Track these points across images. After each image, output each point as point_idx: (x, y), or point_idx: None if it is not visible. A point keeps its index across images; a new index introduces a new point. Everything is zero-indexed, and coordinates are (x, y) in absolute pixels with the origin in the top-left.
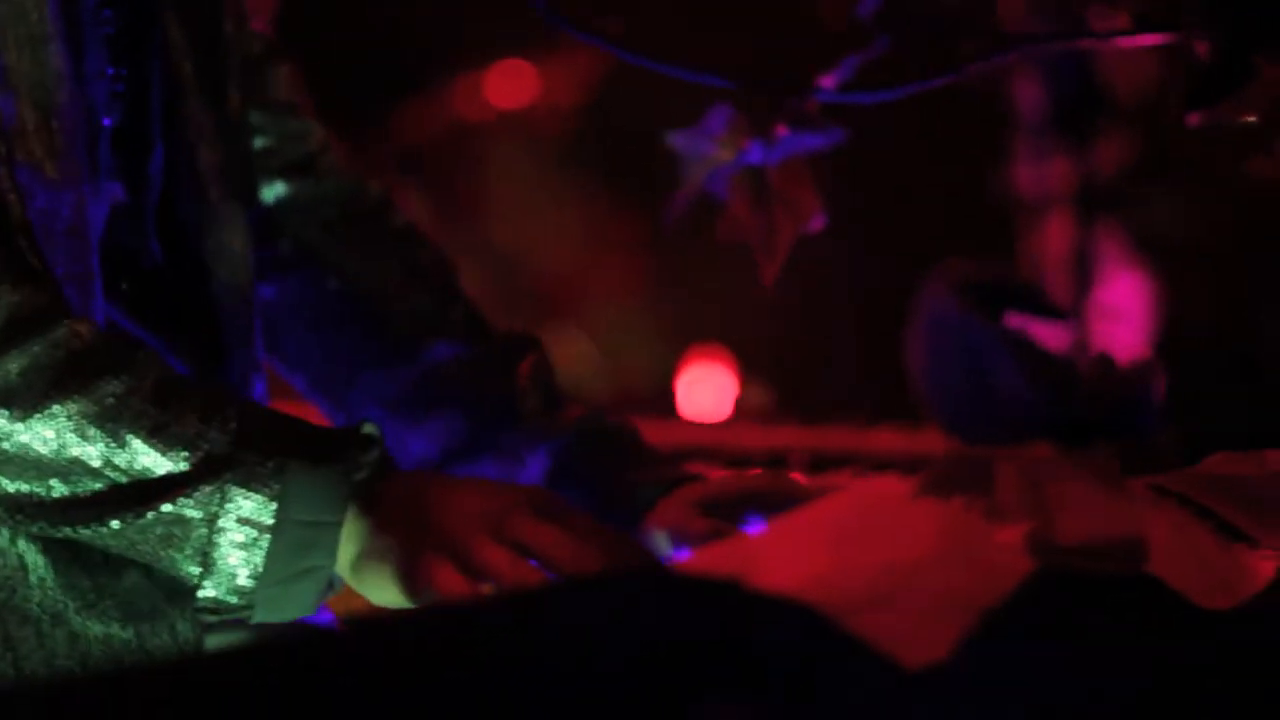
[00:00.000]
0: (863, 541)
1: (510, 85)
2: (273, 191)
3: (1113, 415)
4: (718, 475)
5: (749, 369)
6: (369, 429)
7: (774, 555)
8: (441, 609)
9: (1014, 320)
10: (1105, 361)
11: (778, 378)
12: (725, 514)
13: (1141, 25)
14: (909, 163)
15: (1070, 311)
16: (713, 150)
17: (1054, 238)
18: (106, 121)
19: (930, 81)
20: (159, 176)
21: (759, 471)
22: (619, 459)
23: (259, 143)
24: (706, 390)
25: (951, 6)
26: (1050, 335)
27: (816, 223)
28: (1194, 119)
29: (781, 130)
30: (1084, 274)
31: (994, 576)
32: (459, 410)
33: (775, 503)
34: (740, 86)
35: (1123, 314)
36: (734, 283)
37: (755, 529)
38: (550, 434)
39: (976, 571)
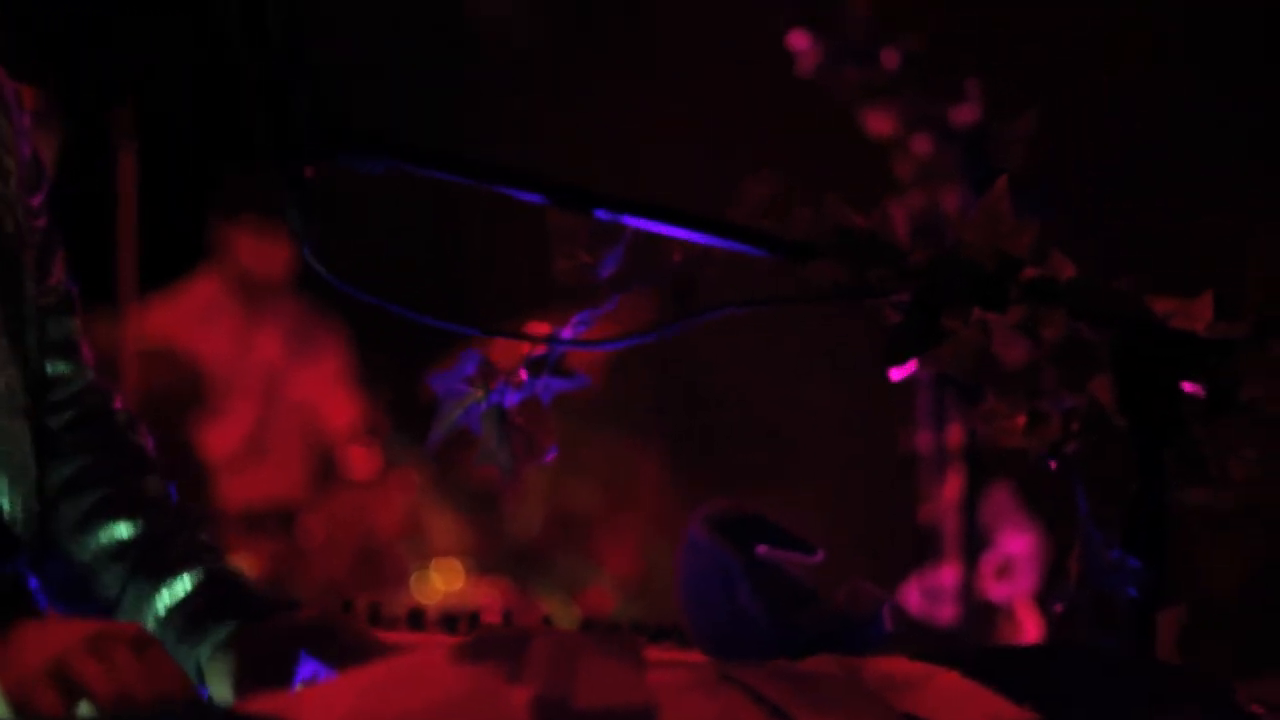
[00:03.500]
0: (393, 692)
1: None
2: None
3: (843, 636)
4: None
5: None
6: None
7: (314, 702)
8: None
9: (761, 552)
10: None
11: None
12: (280, 651)
13: (840, 289)
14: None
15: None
16: (466, 390)
17: (950, 493)
18: None
19: (647, 335)
20: None
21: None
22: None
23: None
24: None
25: (676, 271)
26: (793, 566)
27: (550, 454)
28: (894, 374)
29: (524, 375)
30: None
31: None
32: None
33: (322, 641)
34: (489, 335)
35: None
36: None
37: (307, 668)
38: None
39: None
